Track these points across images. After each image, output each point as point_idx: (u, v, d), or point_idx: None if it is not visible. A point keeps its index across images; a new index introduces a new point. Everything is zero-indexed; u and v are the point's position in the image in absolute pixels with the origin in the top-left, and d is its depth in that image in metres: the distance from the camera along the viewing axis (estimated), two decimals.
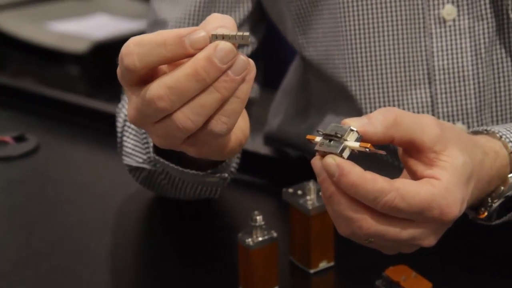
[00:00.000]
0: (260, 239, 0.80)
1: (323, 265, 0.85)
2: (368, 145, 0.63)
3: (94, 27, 2.73)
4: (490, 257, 0.87)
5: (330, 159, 0.63)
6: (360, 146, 0.63)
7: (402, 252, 0.70)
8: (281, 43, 1.03)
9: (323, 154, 0.64)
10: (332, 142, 0.64)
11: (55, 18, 2.80)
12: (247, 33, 0.63)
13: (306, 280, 0.85)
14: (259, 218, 0.80)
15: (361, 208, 0.65)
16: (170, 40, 0.63)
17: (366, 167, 0.65)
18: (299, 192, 0.84)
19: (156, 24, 1.00)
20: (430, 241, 0.68)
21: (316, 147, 0.64)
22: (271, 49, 1.40)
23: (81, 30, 2.70)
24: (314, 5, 0.94)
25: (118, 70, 0.66)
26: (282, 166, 1.05)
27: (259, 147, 1.11)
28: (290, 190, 0.84)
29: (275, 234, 0.81)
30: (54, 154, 1.15)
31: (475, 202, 0.74)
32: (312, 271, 0.84)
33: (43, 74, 2.68)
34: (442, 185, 0.66)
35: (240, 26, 0.98)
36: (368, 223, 0.65)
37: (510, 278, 0.84)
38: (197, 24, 0.96)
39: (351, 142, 0.64)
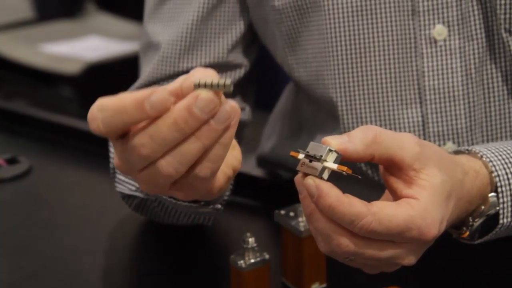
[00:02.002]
0: (252, 261, 0.80)
1: (315, 287, 0.84)
2: (345, 168, 0.65)
3: (86, 49, 2.73)
4: (485, 280, 0.87)
5: (310, 180, 0.65)
6: (337, 168, 0.65)
7: (383, 271, 0.70)
8: (275, 65, 1.03)
9: (306, 173, 0.65)
10: (312, 162, 0.65)
11: (48, 40, 2.80)
12: (228, 81, 0.63)
13: None
14: (251, 240, 0.80)
15: (339, 227, 0.65)
16: (130, 105, 0.63)
17: (352, 184, 0.65)
18: (291, 214, 0.84)
19: (149, 46, 1.00)
20: (410, 260, 0.68)
21: (298, 167, 0.66)
22: (266, 71, 1.40)
23: (73, 51, 2.71)
24: (304, 25, 0.94)
25: None
26: (275, 187, 1.05)
27: (252, 168, 1.11)
28: (282, 212, 0.84)
29: (267, 256, 0.80)
30: (46, 177, 1.15)
31: (457, 221, 0.74)
32: None
33: (36, 96, 2.68)
34: (421, 205, 0.66)
35: (232, 49, 0.99)
36: (347, 242, 0.66)
37: None
38: (189, 46, 0.97)
39: (330, 163, 0.65)
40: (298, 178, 0.66)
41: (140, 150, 0.65)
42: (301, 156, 0.66)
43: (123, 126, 0.65)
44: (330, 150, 0.65)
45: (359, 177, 0.67)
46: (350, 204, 0.64)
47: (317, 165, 0.65)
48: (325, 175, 0.65)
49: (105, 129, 0.65)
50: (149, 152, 0.65)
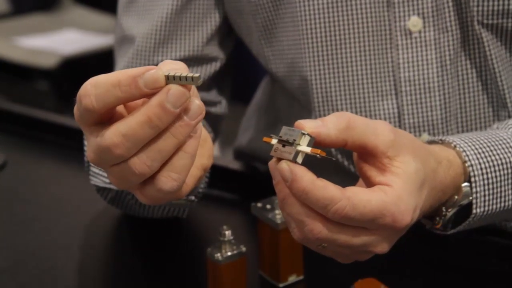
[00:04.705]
0: (229, 253, 0.80)
1: (292, 279, 0.85)
2: (318, 151, 0.64)
3: (62, 42, 2.72)
4: (460, 271, 0.87)
5: (284, 164, 0.64)
6: (311, 151, 0.64)
7: (357, 259, 0.70)
8: (252, 58, 1.03)
9: (279, 158, 0.65)
10: (286, 147, 0.64)
11: (23, 33, 2.78)
12: (197, 74, 0.63)
13: None
14: (228, 232, 0.80)
15: (313, 212, 0.65)
16: (124, 81, 0.63)
17: (327, 174, 0.65)
18: (268, 206, 0.84)
19: (124, 40, 1.00)
20: (383, 248, 0.68)
21: (271, 153, 0.66)
22: (244, 64, 1.40)
23: (49, 45, 2.69)
24: (280, 17, 0.94)
25: (76, 111, 0.66)
26: (252, 180, 1.05)
27: (229, 161, 1.10)
28: (259, 204, 0.84)
29: (244, 249, 0.80)
30: (21, 171, 1.14)
31: (430, 211, 0.74)
32: (281, 285, 0.84)
33: (12, 90, 2.66)
34: (394, 192, 0.66)
35: (208, 42, 0.99)
36: (320, 227, 0.65)
37: None
38: (164, 40, 0.97)
39: (303, 147, 0.65)
40: (272, 163, 0.66)
41: (114, 150, 0.64)
42: (274, 141, 0.65)
43: (115, 102, 0.64)
44: (303, 134, 0.65)
45: (333, 159, 0.67)
46: (324, 188, 0.64)
47: (291, 149, 0.64)
48: (299, 159, 0.65)
49: (98, 105, 0.64)
50: (123, 151, 0.64)
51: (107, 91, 0.64)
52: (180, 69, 0.64)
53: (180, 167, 0.66)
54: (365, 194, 0.65)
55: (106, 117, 0.66)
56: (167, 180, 0.66)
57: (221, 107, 1.02)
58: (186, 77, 0.63)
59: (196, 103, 0.64)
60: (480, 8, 0.88)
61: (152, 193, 0.67)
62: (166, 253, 0.92)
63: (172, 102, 0.63)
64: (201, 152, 0.77)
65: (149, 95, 0.64)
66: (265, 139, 0.66)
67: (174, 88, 0.63)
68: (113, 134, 0.64)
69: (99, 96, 0.64)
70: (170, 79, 0.63)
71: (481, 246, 0.89)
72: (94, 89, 0.64)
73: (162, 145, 0.64)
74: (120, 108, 0.67)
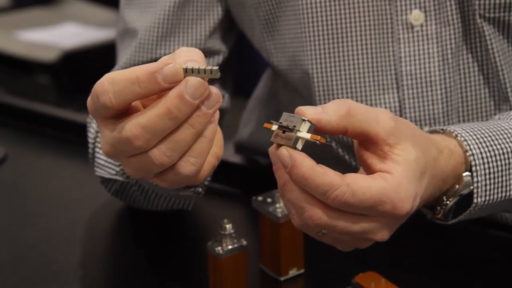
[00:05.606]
0: (229, 247, 0.80)
1: (293, 272, 0.85)
2: (318, 137, 0.64)
3: (63, 36, 2.71)
4: (462, 264, 0.87)
5: (284, 150, 0.64)
6: (311, 138, 0.64)
7: (357, 247, 0.70)
8: (254, 52, 1.03)
9: (279, 144, 0.65)
10: (286, 133, 0.64)
11: (24, 27, 2.78)
12: (216, 67, 0.64)
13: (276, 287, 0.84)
14: (228, 226, 0.80)
15: (312, 198, 0.65)
16: (143, 77, 0.64)
17: (326, 163, 0.65)
18: (269, 200, 0.84)
19: (126, 33, 1.00)
20: (383, 235, 0.68)
21: (272, 139, 0.66)
22: (245, 58, 1.40)
23: (50, 39, 2.69)
24: (282, 10, 0.94)
25: (91, 105, 0.67)
26: (252, 174, 1.05)
27: (230, 155, 1.11)
28: (260, 198, 0.84)
29: (244, 242, 0.80)
30: (22, 165, 1.14)
31: (431, 200, 0.74)
32: (282, 278, 0.84)
33: (12, 84, 2.66)
34: (395, 179, 0.66)
35: (210, 35, 0.98)
36: (319, 213, 0.65)
37: (483, 285, 0.85)
38: (167, 33, 0.97)
39: (303, 133, 0.65)
40: (272, 149, 0.66)
41: (134, 142, 0.65)
42: (274, 127, 0.66)
43: (134, 98, 0.65)
44: (304, 120, 0.65)
45: (333, 145, 0.67)
46: (324, 174, 0.64)
47: (291, 135, 0.64)
48: (299, 145, 0.64)
49: (116, 101, 0.65)
50: (143, 143, 0.65)
51: (126, 88, 0.64)
52: (196, 57, 0.65)
53: (199, 151, 0.66)
54: (365, 181, 0.65)
55: (122, 111, 0.66)
56: (186, 165, 0.67)
57: (224, 101, 1.02)
58: (204, 70, 0.64)
59: (214, 91, 0.65)
60: (482, 1, 0.88)
61: (171, 178, 0.68)
62: (167, 247, 0.92)
63: (191, 93, 0.64)
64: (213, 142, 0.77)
65: (168, 89, 0.64)
66: (266, 125, 0.66)
67: (193, 79, 0.64)
68: (133, 126, 0.65)
69: (117, 93, 0.64)
70: (188, 72, 0.64)
71: (482, 238, 0.89)
72: (112, 86, 0.64)
73: (180, 136, 0.65)
74: (137, 103, 0.67)
